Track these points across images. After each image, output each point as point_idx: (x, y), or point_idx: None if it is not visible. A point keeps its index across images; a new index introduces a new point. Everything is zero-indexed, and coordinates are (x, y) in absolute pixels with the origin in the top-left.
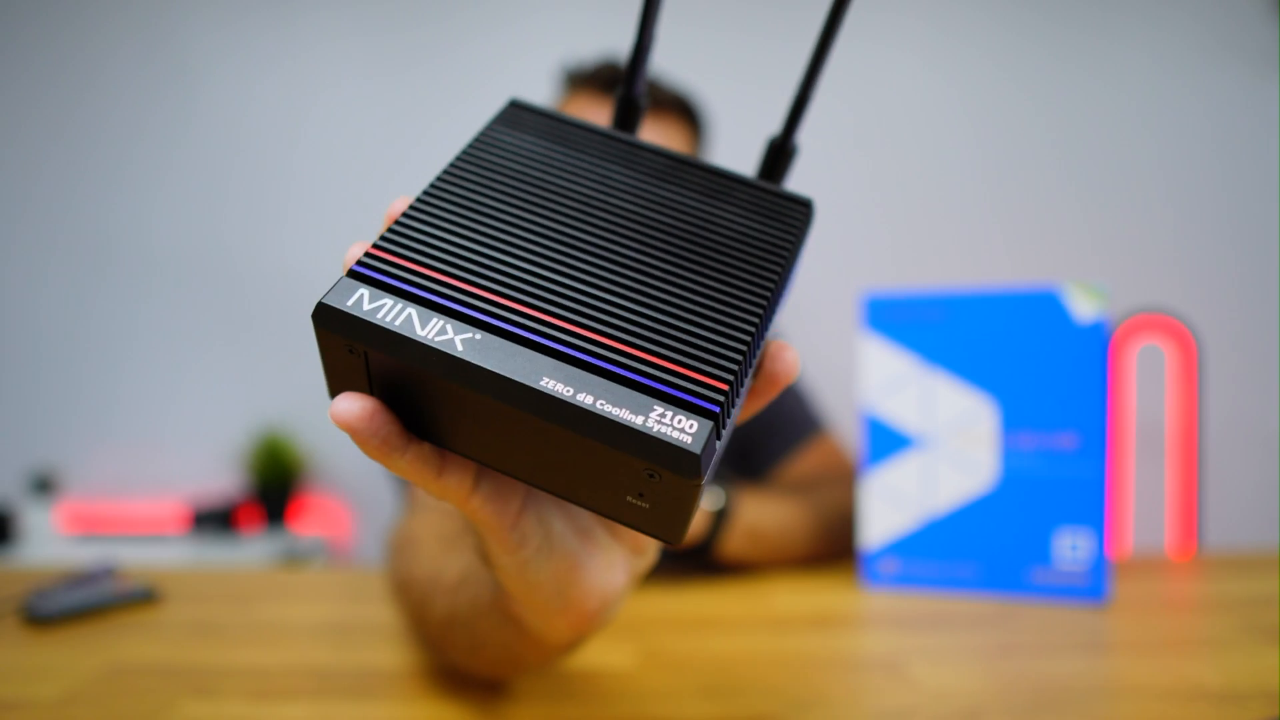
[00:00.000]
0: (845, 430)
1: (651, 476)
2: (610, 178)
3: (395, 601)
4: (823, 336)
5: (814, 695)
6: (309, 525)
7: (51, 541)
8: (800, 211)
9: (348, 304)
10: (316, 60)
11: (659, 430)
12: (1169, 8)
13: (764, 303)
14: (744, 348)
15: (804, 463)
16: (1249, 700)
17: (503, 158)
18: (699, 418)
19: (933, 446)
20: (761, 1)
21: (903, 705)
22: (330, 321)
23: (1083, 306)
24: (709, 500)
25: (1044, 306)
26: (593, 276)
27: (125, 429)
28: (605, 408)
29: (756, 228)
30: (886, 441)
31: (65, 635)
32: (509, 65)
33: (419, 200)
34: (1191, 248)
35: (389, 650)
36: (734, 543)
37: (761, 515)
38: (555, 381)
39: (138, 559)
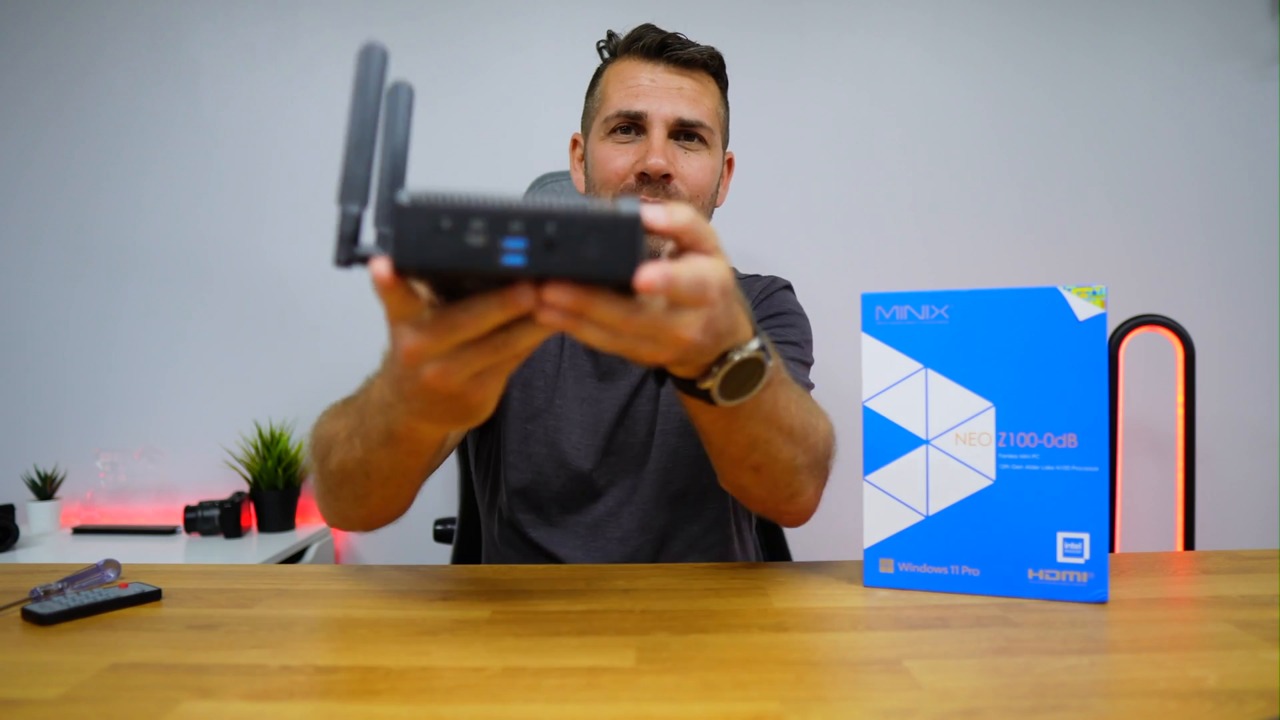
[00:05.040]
0: (846, 430)
1: None
2: None
3: (310, 458)
4: (823, 336)
5: (814, 695)
6: (308, 525)
7: (52, 541)
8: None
9: None
10: (311, 54)
11: None
12: (1167, 13)
13: None
14: None
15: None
16: (1249, 700)
17: None
18: None
19: (933, 446)
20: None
21: (903, 705)
22: None
23: (1081, 308)
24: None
25: (1044, 305)
26: None
27: (125, 428)
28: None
29: None
30: (887, 441)
31: (66, 635)
32: (506, 61)
33: None
34: (1187, 252)
35: (389, 650)
36: (770, 383)
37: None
38: None
39: (138, 559)
